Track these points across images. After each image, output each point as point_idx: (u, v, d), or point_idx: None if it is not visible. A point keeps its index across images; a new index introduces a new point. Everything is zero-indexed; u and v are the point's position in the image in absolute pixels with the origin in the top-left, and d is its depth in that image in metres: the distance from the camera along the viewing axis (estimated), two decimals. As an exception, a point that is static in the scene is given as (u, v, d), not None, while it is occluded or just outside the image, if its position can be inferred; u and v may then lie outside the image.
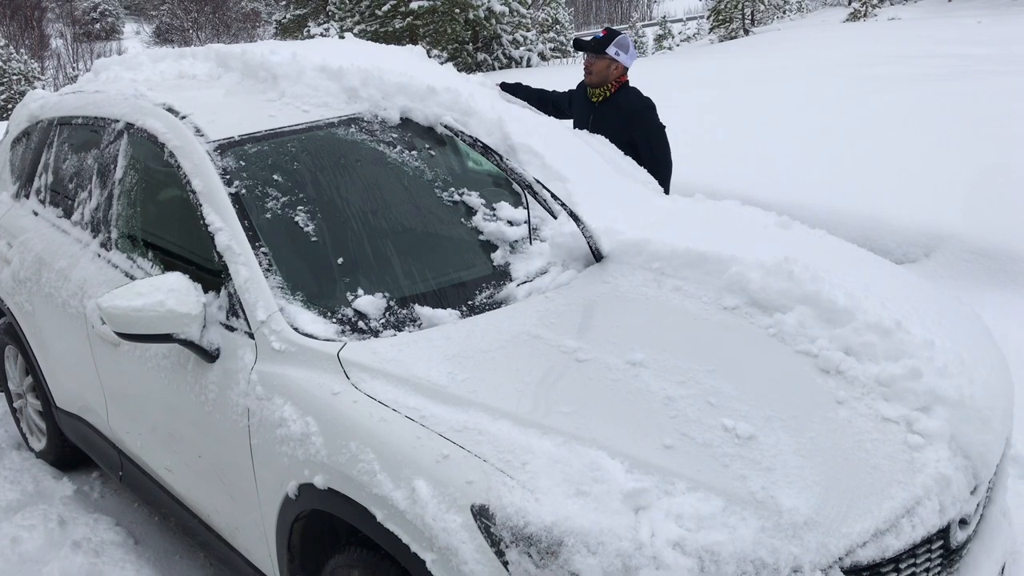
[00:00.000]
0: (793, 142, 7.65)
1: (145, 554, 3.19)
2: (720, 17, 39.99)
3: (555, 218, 2.69)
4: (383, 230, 2.60)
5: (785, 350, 2.14)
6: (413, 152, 2.85)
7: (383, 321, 2.29)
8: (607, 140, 3.59)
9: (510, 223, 2.70)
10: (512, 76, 12.00)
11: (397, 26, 26.91)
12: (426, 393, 1.98)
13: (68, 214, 3.39)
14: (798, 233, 2.78)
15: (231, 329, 2.37)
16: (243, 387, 2.25)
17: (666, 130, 3.93)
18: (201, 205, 2.53)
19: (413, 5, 26.69)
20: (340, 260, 2.46)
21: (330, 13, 29.74)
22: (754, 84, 10.81)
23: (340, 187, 2.67)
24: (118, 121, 3.09)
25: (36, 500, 3.57)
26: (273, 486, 2.17)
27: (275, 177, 2.61)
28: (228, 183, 2.55)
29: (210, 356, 2.36)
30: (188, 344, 2.34)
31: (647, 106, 3.93)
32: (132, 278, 2.78)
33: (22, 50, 51.60)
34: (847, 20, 32.22)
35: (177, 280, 2.35)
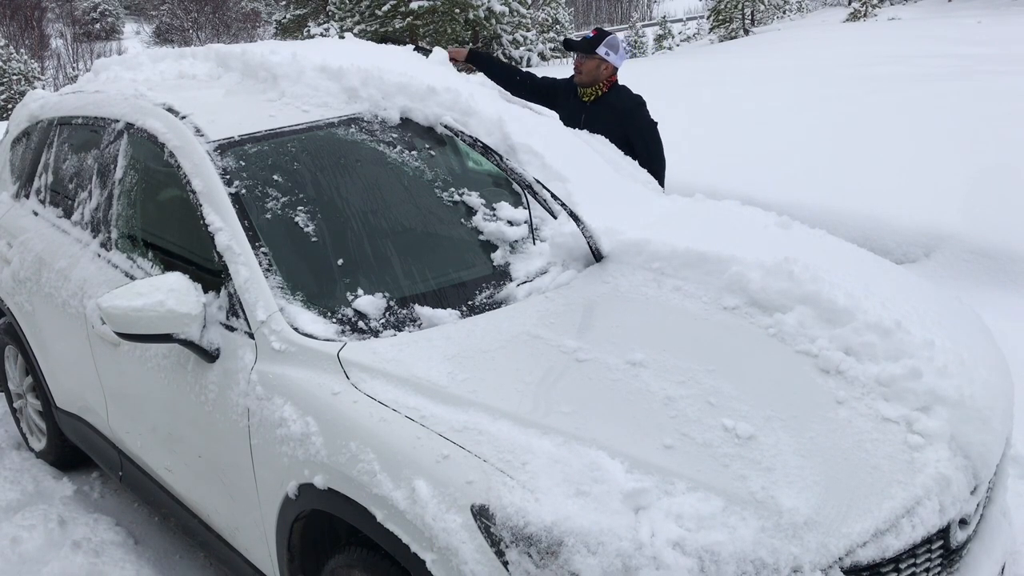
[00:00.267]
0: (793, 142, 7.66)
1: (145, 554, 3.19)
2: (720, 17, 40.04)
3: (555, 218, 2.69)
4: (383, 230, 2.60)
5: (785, 350, 2.14)
6: (413, 152, 2.85)
7: (383, 321, 2.29)
8: (606, 140, 3.59)
9: (510, 223, 2.70)
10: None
11: (397, 26, 26.91)
12: (426, 393, 1.98)
13: (68, 214, 3.39)
14: (798, 233, 2.78)
15: (231, 329, 2.37)
16: (243, 387, 2.25)
17: (658, 126, 3.95)
18: (201, 205, 2.53)
19: (413, 5, 26.71)
20: (340, 260, 2.46)
21: (330, 13, 29.76)
22: (754, 84, 10.81)
23: (340, 187, 2.67)
24: (118, 121, 3.09)
25: (36, 500, 3.57)
26: (273, 486, 2.17)
27: (275, 177, 2.61)
28: (228, 183, 2.55)
29: (210, 356, 2.36)
30: (188, 344, 2.33)
31: (638, 103, 3.95)
32: (132, 278, 2.78)
33: (22, 50, 51.64)
34: (847, 20, 32.26)
35: (177, 280, 2.35)
